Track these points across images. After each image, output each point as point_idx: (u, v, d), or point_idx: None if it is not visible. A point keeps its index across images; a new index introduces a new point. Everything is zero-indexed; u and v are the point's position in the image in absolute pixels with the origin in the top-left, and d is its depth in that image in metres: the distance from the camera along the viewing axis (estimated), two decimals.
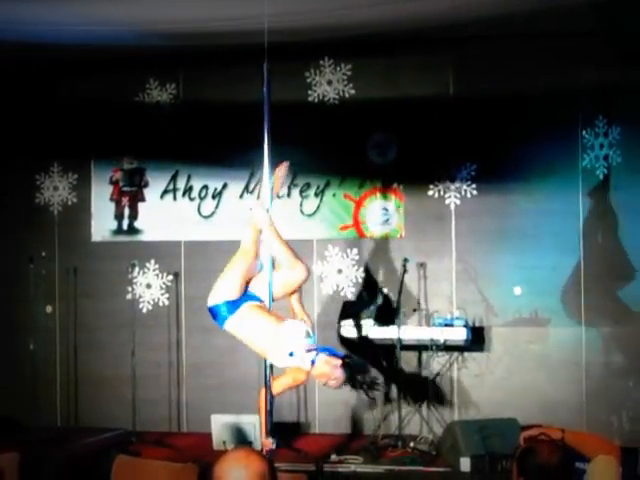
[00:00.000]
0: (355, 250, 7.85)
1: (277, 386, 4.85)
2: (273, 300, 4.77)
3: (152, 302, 8.15)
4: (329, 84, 7.92)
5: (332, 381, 4.52)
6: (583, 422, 7.12)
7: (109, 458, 4.96)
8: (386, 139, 7.78)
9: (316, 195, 7.89)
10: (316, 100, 7.95)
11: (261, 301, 4.72)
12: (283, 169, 5.07)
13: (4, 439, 6.88)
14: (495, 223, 7.57)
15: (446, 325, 7.22)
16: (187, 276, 8.05)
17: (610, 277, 7.39)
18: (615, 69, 7.06)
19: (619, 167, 7.31)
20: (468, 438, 6.50)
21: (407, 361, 7.49)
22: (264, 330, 4.59)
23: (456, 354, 7.50)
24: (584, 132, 7.43)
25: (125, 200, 8.26)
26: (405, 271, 7.24)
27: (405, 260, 7.26)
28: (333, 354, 4.55)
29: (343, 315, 7.61)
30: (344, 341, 7.38)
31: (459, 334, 7.16)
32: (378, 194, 7.82)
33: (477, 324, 7.48)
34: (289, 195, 7.81)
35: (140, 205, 8.25)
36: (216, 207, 8.07)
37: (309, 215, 7.90)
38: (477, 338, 7.40)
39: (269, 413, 4.82)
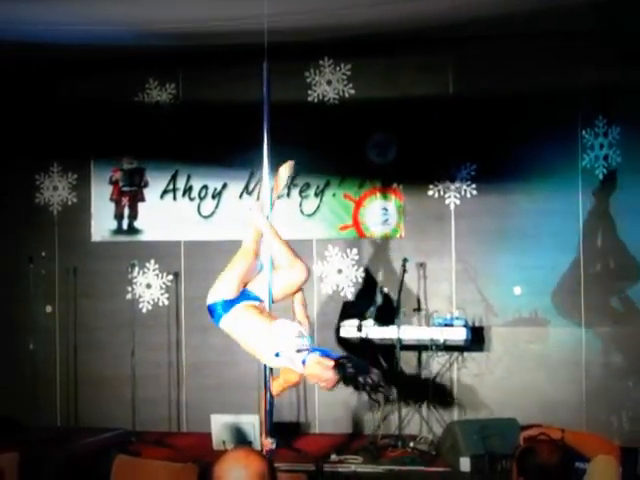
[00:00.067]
0: (355, 250, 7.85)
1: (275, 387, 4.83)
2: (274, 301, 4.76)
3: (152, 302, 8.15)
4: (329, 84, 7.92)
5: (323, 382, 4.41)
6: (583, 422, 7.12)
7: (109, 458, 4.96)
8: (386, 139, 7.79)
9: (316, 195, 7.89)
10: (316, 100, 7.95)
11: (261, 301, 4.72)
12: (288, 168, 5.05)
13: (4, 439, 6.88)
14: (495, 223, 7.57)
15: (446, 325, 7.22)
16: (187, 276, 8.05)
17: (610, 277, 7.39)
18: (615, 69, 7.06)
19: (619, 167, 7.31)
20: (468, 438, 6.50)
21: (407, 361, 7.49)
22: (255, 329, 4.55)
23: (456, 354, 7.50)
24: (584, 132, 7.43)
25: (125, 200, 8.26)
26: (405, 271, 7.24)
27: (405, 260, 7.26)
28: (326, 355, 4.44)
29: (343, 315, 7.61)
30: (344, 341, 7.38)
31: (459, 334, 7.16)
32: (378, 194, 7.82)
33: (477, 324, 7.48)
34: (289, 195, 7.81)
35: (140, 205, 8.25)
36: (216, 207, 8.07)
37: (309, 215, 7.90)
38: (477, 338, 7.40)
39: (269, 413, 4.82)
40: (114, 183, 8.28)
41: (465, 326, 7.19)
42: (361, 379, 4.41)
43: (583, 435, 3.58)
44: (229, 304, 4.62)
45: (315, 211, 7.90)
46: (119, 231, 8.26)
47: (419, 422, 7.48)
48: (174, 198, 8.14)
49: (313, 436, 7.68)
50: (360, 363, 4.47)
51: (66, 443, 7.18)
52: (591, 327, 7.33)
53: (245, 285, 4.72)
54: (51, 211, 8.37)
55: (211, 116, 7.99)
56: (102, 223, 8.28)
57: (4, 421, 7.75)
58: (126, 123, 8.18)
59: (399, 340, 7.10)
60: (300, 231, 7.72)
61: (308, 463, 6.42)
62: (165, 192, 8.16)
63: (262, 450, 4.78)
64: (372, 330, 7.33)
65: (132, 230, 8.25)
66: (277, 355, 4.45)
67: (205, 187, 8.08)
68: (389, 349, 7.21)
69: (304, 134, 7.63)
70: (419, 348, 7.41)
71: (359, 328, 7.35)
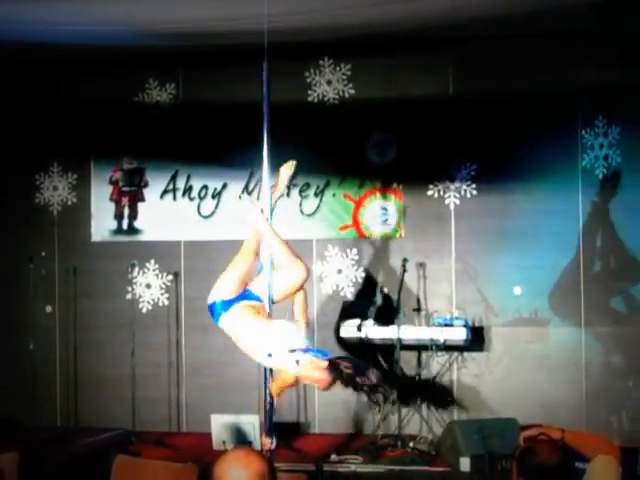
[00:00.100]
0: (355, 250, 7.85)
1: (274, 388, 4.82)
2: (274, 301, 4.76)
3: (152, 302, 8.15)
4: (329, 84, 7.92)
5: (316, 383, 4.41)
6: (583, 422, 7.12)
7: (109, 458, 4.96)
8: (386, 139, 7.79)
9: (316, 195, 7.89)
10: (316, 100, 7.95)
11: (261, 301, 4.71)
12: (289, 168, 5.04)
13: (4, 439, 6.88)
14: (495, 223, 7.57)
15: (446, 325, 7.22)
16: (187, 276, 8.05)
17: (610, 277, 7.39)
18: (615, 69, 7.06)
19: (619, 167, 7.31)
20: (468, 438, 6.49)
21: (407, 361, 7.49)
22: (251, 329, 4.55)
23: (456, 354, 7.50)
24: (584, 132, 7.43)
25: (125, 200, 8.26)
26: (405, 271, 7.24)
27: (405, 260, 7.25)
28: (320, 355, 4.43)
29: (343, 315, 7.61)
30: (344, 341, 7.38)
31: (459, 334, 7.16)
32: (378, 194, 7.82)
33: (477, 324, 7.48)
34: (289, 195, 7.80)
35: (140, 205, 8.25)
36: (216, 207, 8.07)
37: (309, 215, 7.90)
38: (477, 338, 7.40)
39: (268, 413, 4.82)
40: (114, 183, 8.28)
41: (465, 326, 7.19)
42: (359, 380, 4.41)
43: (583, 435, 3.57)
44: (228, 303, 4.62)
45: (315, 211, 7.90)
46: (119, 231, 8.26)
47: (419, 422, 7.47)
48: (174, 198, 8.14)
49: (313, 436, 7.67)
50: (359, 363, 4.46)
51: (66, 443, 7.17)
52: (591, 327, 7.33)
53: (246, 285, 4.73)
54: (51, 211, 8.37)
55: (211, 116, 7.99)
56: (102, 223, 8.28)
57: (4, 421, 7.75)
58: (126, 123, 8.18)
59: (399, 340, 7.09)
60: (300, 231, 7.71)
61: (308, 463, 6.41)
62: (165, 192, 8.16)
63: (262, 450, 4.78)
64: (372, 330, 7.32)
65: (132, 230, 8.25)
66: (270, 355, 4.45)
67: (205, 187, 8.08)
68: (389, 349, 7.21)
69: (304, 134, 7.63)
70: (419, 348, 7.41)
71: (359, 328, 7.34)
